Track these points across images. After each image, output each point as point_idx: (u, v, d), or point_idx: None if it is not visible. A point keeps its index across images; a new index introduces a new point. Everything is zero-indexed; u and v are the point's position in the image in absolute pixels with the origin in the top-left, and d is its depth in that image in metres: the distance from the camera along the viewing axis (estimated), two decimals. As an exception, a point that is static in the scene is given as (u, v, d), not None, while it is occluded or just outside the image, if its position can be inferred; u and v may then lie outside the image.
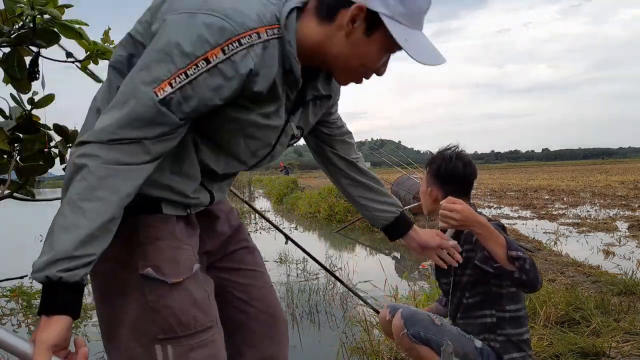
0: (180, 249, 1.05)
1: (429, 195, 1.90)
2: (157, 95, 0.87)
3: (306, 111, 1.15)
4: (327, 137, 1.38)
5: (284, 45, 0.97)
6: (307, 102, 1.13)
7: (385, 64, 1.06)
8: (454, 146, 1.92)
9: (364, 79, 1.08)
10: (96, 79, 1.50)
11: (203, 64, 0.88)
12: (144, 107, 0.87)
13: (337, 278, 2.16)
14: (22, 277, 1.96)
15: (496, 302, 1.76)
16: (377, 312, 2.06)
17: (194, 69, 0.88)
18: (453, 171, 1.85)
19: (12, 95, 1.54)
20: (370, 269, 5.42)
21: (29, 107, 1.56)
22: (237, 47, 0.89)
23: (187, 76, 0.88)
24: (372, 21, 0.96)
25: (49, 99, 1.57)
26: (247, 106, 0.99)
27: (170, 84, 0.88)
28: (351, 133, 1.45)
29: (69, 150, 0.91)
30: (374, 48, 0.99)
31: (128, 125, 0.87)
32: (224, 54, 0.88)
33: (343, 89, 1.26)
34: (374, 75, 1.09)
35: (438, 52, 1.01)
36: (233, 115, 1.00)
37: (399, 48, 0.98)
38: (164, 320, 0.99)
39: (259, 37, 0.92)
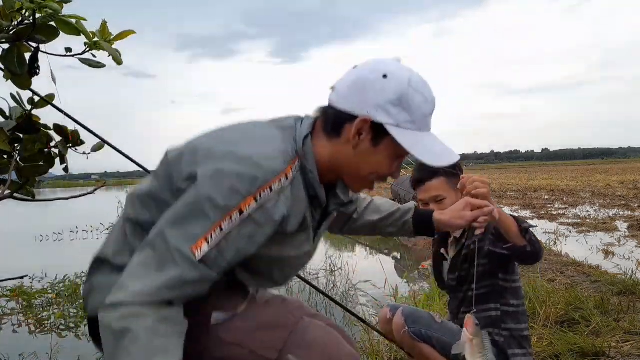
0: (222, 290, 1.03)
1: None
2: (195, 255, 0.85)
3: (331, 217, 1.17)
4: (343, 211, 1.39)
5: (307, 175, 0.99)
6: (330, 212, 1.14)
7: (398, 168, 1.06)
8: None
9: (377, 182, 1.08)
10: (98, 64, 1.48)
11: (237, 215, 0.88)
12: (184, 270, 0.85)
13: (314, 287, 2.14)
14: (22, 277, 1.95)
15: (501, 296, 1.77)
16: (362, 319, 2.05)
17: (229, 221, 0.87)
18: None
19: (12, 95, 1.54)
20: (370, 269, 5.42)
21: (29, 107, 1.56)
22: (268, 194, 0.90)
23: (222, 230, 0.87)
24: (378, 131, 0.96)
25: (49, 99, 1.57)
26: (280, 242, 0.99)
27: (207, 240, 0.86)
28: (359, 195, 1.44)
29: (103, 315, 0.86)
30: (382, 156, 1.00)
31: (168, 288, 0.85)
32: (256, 202, 0.88)
33: None
34: None
35: (448, 150, 1.02)
36: (268, 255, 0.99)
37: (408, 152, 0.99)
38: (264, 337, 1.00)
39: (287, 179, 0.93)
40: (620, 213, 9.29)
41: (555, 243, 6.25)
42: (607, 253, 5.64)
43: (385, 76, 0.95)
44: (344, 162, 1.01)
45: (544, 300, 3.02)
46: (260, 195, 0.88)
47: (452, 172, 1.83)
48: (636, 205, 10.27)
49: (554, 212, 10.02)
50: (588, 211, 9.99)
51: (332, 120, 0.99)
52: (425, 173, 1.82)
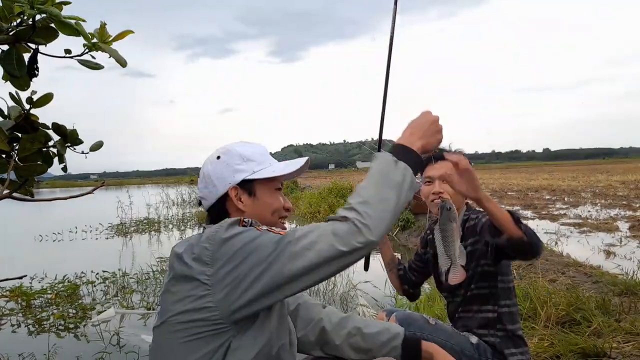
0: None
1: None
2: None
3: None
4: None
5: None
6: None
7: (284, 198, 1.26)
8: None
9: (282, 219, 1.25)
10: (97, 66, 1.47)
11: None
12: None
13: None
14: (21, 277, 1.94)
15: (499, 297, 1.78)
16: None
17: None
18: None
19: (10, 94, 1.53)
20: (370, 269, 5.40)
21: (27, 106, 1.55)
22: None
23: None
24: (246, 185, 1.19)
25: (47, 98, 1.56)
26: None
27: None
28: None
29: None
30: (266, 197, 1.21)
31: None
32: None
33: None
34: None
35: (297, 160, 1.25)
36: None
37: (279, 182, 1.23)
38: None
39: None
40: (622, 213, 9.28)
41: (556, 243, 6.24)
42: (608, 253, 5.63)
43: (218, 157, 1.20)
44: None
45: (545, 300, 3.01)
46: None
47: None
48: (637, 206, 10.26)
49: (555, 212, 10.01)
50: (589, 211, 9.98)
51: (212, 214, 1.20)
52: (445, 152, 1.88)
